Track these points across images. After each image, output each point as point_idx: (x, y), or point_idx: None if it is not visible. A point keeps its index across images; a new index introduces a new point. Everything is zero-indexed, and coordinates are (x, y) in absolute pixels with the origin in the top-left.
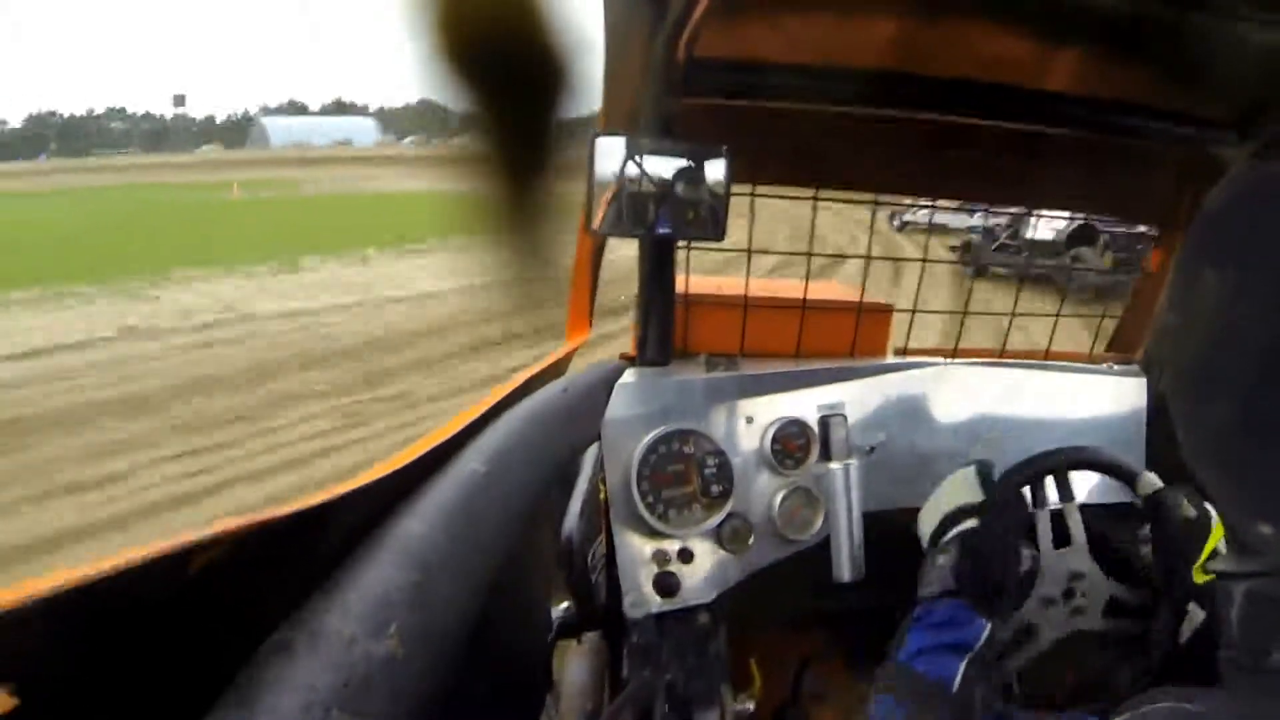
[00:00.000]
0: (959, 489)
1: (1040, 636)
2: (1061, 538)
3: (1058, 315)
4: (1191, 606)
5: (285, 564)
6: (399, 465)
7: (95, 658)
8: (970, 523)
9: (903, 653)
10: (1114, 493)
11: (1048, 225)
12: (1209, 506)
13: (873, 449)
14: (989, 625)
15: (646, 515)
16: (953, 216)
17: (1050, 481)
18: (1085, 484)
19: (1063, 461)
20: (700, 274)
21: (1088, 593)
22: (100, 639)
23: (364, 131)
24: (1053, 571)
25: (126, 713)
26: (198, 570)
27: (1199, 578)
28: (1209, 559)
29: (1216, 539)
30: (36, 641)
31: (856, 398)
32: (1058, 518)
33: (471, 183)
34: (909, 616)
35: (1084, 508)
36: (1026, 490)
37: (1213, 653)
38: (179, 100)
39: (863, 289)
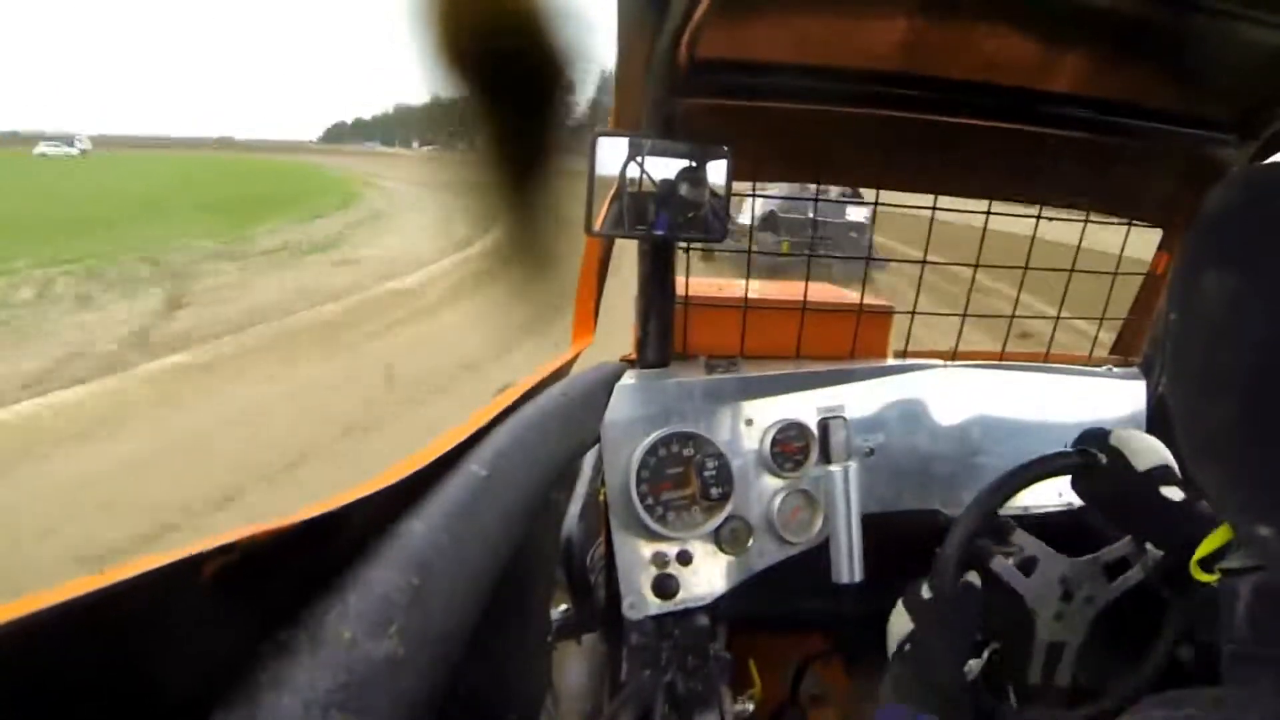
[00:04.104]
0: (898, 617)
1: (1036, 638)
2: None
3: (1057, 317)
4: (1147, 548)
5: (295, 569)
6: (407, 472)
7: (98, 659)
8: (905, 644)
9: None
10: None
11: (746, 214)
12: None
13: (872, 451)
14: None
15: (646, 517)
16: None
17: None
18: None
19: (983, 515)
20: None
21: (1085, 598)
22: (106, 641)
23: None
24: (1048, 577)
25: (128, 713)
26: (210, 576)
27: (1198, 576)
28: (1211, 558)
29: (1218, 540)
30: (44, 643)
31: (856, 400)
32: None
33: (476, 180)
34: None
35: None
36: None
37: (1214, 654)
38: None
39: (863, 291)
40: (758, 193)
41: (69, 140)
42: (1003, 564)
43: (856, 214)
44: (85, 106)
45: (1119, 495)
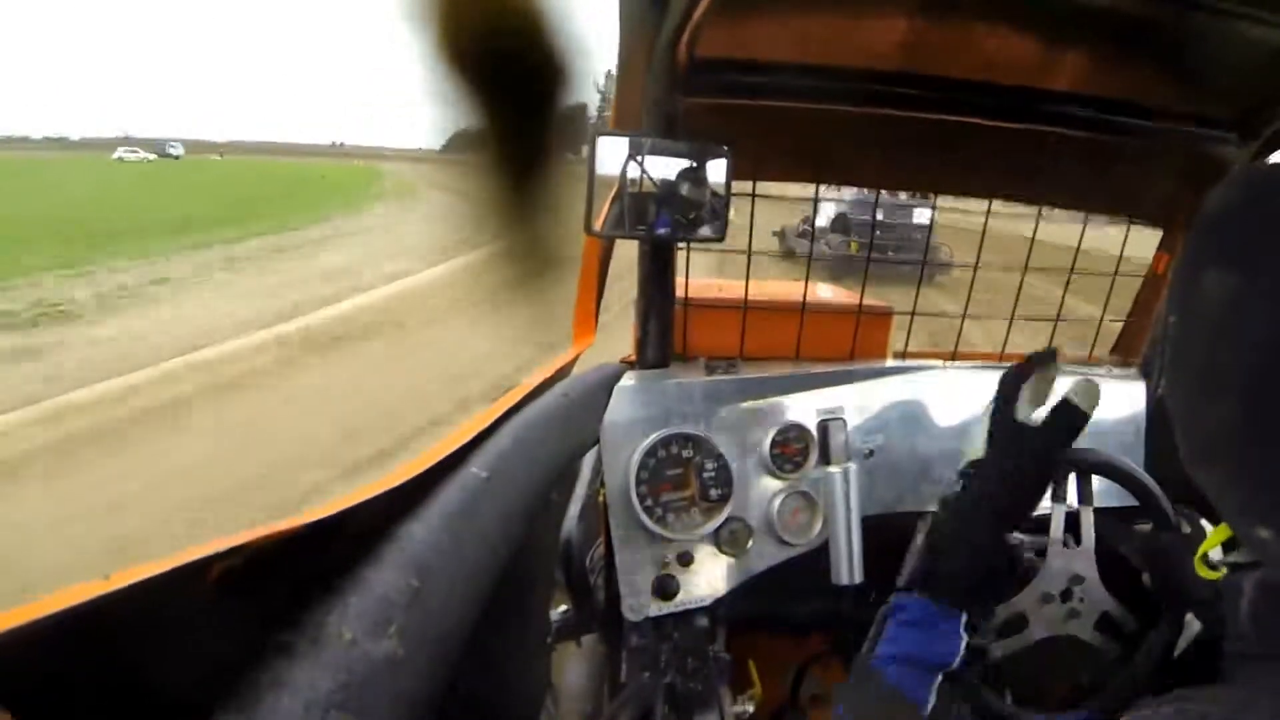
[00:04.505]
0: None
1: (1029, 631)
2: (1072, 538)
3: (1057, 319)
4: (1188, 618)
5: (299, 571)
6: (410, 474)
7: (98, 659)
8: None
9: (880, 651)
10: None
11: (823, 215)
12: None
13: (872, 452)
14: (964, 640)
15: (645, 519)
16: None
17: (1071, 480)
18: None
19: (1081, 464)
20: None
21: (1085, 599)
22: (112, 644)
23: None
24: (1056, 569)
25: (128, 713)
26: (216, 579)
27: (1201, 572)
28: (1211, 555)
29: (1220, 537)
30: (50, 647)
31: (855, 401)
32: (1072, 517)
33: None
34: (886, 606)
35: (1099, 511)
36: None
37: (1209, 660)
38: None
39: (862, 292)
40: (824, 198)
41: (160, 146)
42: (1059, 507)
43: (923, 216)
44: (213, 113)
45: (1185, 565)
